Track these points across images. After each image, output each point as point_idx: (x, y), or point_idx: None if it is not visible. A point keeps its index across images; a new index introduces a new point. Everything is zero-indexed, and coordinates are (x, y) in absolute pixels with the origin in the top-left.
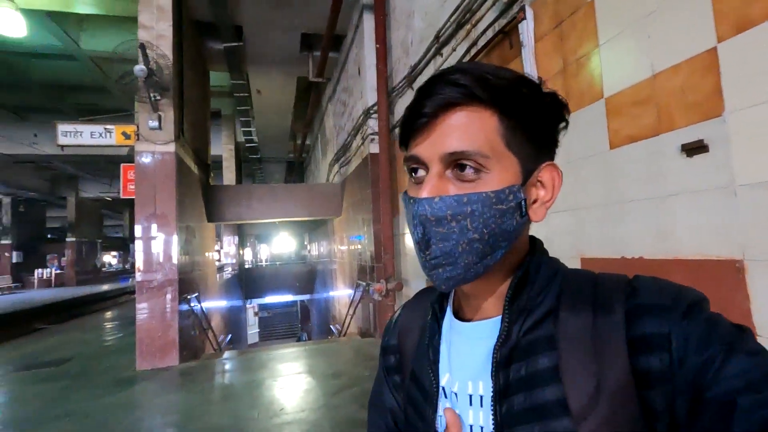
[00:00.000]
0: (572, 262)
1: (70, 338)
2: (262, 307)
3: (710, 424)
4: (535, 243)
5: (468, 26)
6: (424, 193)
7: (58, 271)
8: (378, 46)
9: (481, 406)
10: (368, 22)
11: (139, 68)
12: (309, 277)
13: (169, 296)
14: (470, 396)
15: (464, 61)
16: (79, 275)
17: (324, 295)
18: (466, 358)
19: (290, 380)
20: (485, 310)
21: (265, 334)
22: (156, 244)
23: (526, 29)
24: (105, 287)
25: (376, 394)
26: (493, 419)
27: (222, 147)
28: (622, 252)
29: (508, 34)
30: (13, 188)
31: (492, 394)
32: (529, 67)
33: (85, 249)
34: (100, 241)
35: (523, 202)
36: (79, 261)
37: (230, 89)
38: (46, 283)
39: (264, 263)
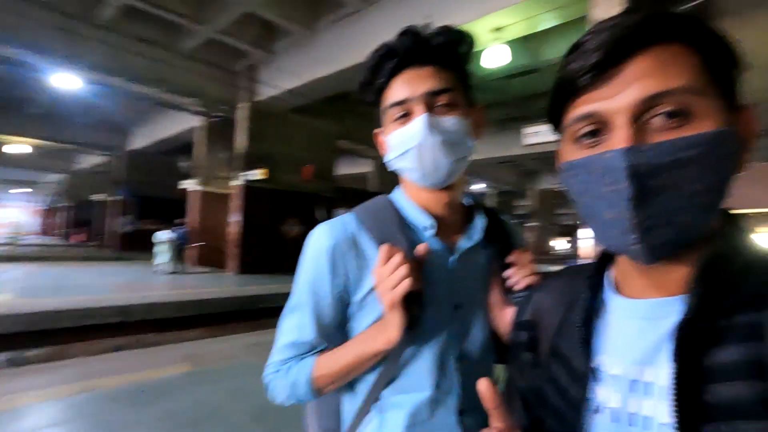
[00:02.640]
0: None
1: None
2: None
3: None
4: (732, 215)
5: None
6: (623, 144)
7: None
8: None
9: (647, 394)
10: None
11: None
12: None
13: None
14: (633, 381)
15: None
16: (535, 255)
17: None
18: (634, 339)
19: None
20: (667, 286)
21: None
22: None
23: None
24: (552, 268)
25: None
26: (676, 411)
27: None
28: None
29: None
30: (496, 183)
31: (673, 382)
32: None
33: (540, 232)
34: (552, 226)
35: (738, 149)
36: (536, 243)
37: None
38: None
39: None
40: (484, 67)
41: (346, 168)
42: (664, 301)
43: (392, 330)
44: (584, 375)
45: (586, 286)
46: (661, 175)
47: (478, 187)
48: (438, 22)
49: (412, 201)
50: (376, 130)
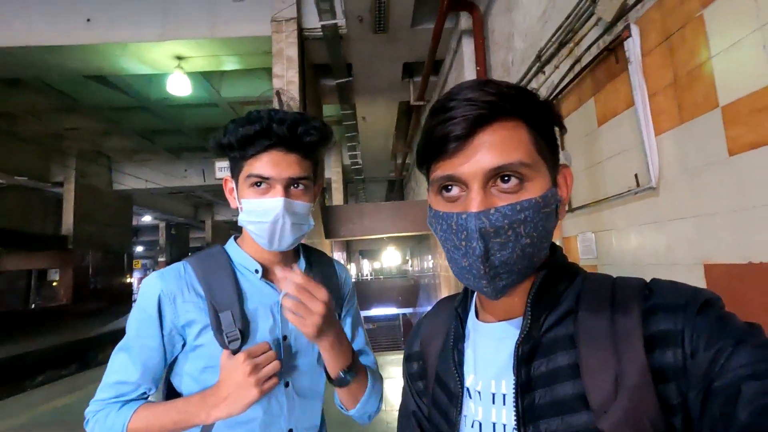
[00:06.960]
0: (694, 270)
1: None
2: (367, 320)
3: (717, 412)
4: (555, 248)
5: (571, 45)
6: (474, 208)
7: None
8: (478, 68)
9: (504, 403)
10: (467, 46)
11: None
12: (411, 291)
13: None
14: (493, 395)
15: (567, 78)
16: None
17: (428, 309)
18: (491, 358)
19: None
20: (510, 310)
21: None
22: None
23: (632, 46)
24: None
25: (403, 404)
26: (515, 414)
27: (331, 170)
28: (748, 257)
29: (614, 50)
30: (167, 214)
31: (513, 389)
32: (638, 82)
33: None
34: None
35: (558, 204)
36: None
37: (339, 118)
38: None
39: (368, 277)
40: (169, 93)
41: None
42: (508, 323)
43: (231, 407)
44: (458, 395)
45: (455, 315)
46: (502, 235)
47: (146, 219)
48: (108, 32)
49: (244, 250)
50: (226, 177)
